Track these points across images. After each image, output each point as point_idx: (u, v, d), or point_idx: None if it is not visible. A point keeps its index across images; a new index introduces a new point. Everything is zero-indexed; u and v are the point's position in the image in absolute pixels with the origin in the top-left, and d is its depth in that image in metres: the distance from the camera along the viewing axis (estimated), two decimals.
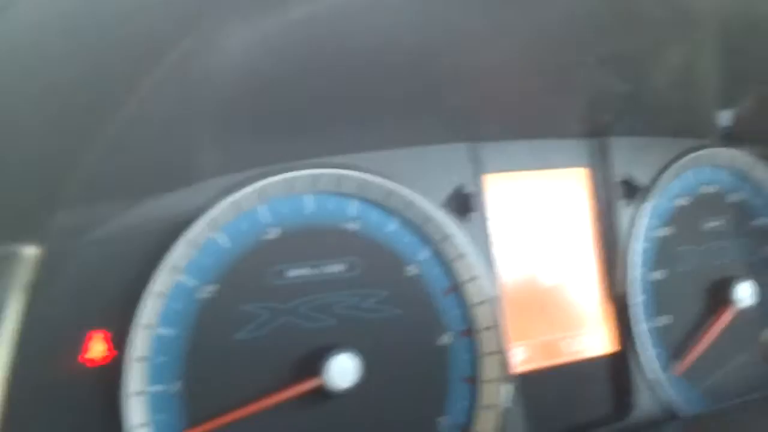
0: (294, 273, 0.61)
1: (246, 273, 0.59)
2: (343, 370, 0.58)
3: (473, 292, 0.67)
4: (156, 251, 0.55)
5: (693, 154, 0.81)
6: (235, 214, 0.60)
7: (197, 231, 0.57)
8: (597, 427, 0.72)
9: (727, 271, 0.81)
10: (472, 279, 0.67)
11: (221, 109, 0.50)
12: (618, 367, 0.75)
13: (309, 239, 0.62)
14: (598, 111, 0.71)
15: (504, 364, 0.66)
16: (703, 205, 0.82)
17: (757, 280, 0.81)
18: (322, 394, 0.58)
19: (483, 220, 0.69)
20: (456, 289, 0.67)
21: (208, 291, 0.57)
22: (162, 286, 0.55)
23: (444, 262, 0.67)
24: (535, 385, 0.69)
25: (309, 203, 0.63)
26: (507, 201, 0.72)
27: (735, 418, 0.72)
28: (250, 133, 0.56)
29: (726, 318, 0.79)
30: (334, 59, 0.49)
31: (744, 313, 0.80)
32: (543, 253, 0.73)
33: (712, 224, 0.83)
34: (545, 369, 0.71)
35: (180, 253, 0.56)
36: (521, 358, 0.70)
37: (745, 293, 0.79)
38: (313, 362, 0.58)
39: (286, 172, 0.60)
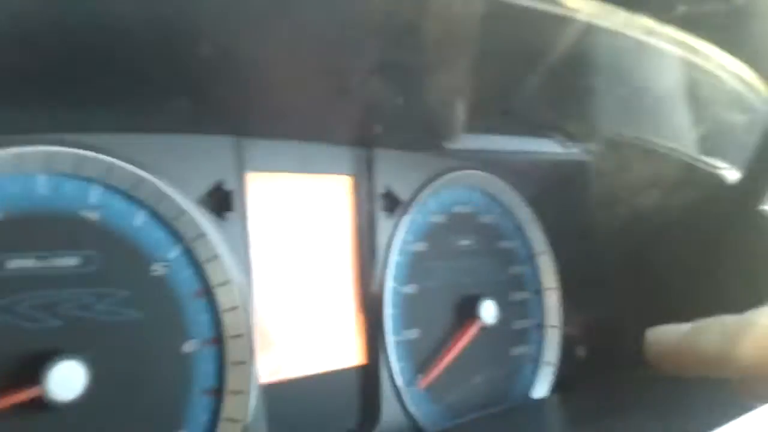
0: (15, 264, 0.52)
1: None
2: (66, 379, 0.51)
3: (224, 297, 0.62)
4: None
5: (451, 174, 0.83)
6: None
7: None
8: None
9: (474, 289, 0.84)
10: (225, 283, 0.62)
11: None
12: (365, 380, 0.74)
13: (38, 226, 0.54)
14: (368, 121, 0.70)
15: (250, 374, 0.62)
16: (457, 223, 0.85)
17: (499, 299, 0.85)
18: (43, 405, 0.50)
19: (242, 220, 0.65)
20: (206, 292, 0.62)
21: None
22: None
23: (195, 263, 0.62)
24: (283, 397, 0.66)
25: (41, 185, 0.55)
26: (269, 202, 0.68)
27: None
28: None
29: (468, 334, 0.81)
30: (78, 28, 0.42)
31: (487, 331, 0.83)
32: (301, 259, 0.71)
33: (464, 243, 0.85)
34: (294, 380, 0.68)
35: None
36: (269, 368, 0.66)
37: (487, 312, 0.83)
38: (31, 369, 0.50)
39: (15, 145, 0.52)
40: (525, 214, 0.92)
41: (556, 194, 0.92)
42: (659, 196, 0.83)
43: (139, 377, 0.57)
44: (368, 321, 0.75)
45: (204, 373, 0.61)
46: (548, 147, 0.83)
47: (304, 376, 0.69)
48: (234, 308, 0.62)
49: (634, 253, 0.88)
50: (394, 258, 0.76)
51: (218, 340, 0.62)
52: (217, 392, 0.62)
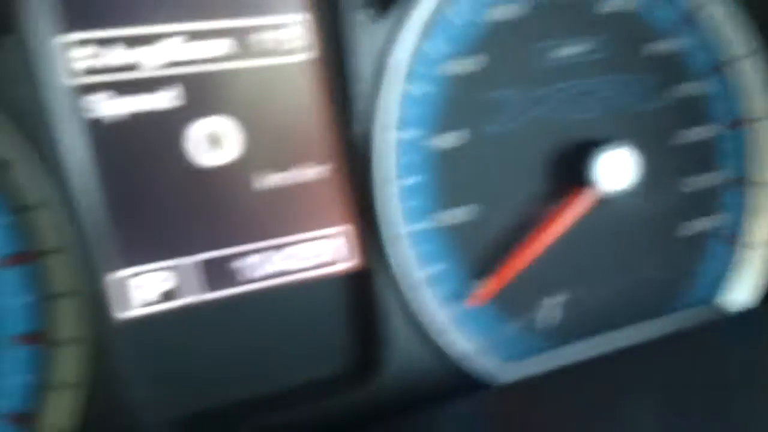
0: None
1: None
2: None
3: None
4: None
5: None
6: None
7: None
8: (319, 397, 0.43)
9: (584, 131, 0.49)
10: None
11: None
12: (361, 295, 0.44)
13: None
14: None
15: None
16: (551, 16, 0.48)
17: (650, 143, 0.49)
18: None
19: None
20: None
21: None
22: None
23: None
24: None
25: None
26: None
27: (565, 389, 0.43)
28: None
29: (576, 210, 0.47)
30: None
31: (610, 204, 0.48)
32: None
33: (567, 51, 0.49)
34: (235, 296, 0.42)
35: None
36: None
37: (609, 170, 0.47)
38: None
39: None
40: None
41: None
42: None
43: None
44: (360, 196, 0.44)
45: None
46: None
47: (254, 290, 0.42)
48: None
49: None
50: (398, 88, 0.43)
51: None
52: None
